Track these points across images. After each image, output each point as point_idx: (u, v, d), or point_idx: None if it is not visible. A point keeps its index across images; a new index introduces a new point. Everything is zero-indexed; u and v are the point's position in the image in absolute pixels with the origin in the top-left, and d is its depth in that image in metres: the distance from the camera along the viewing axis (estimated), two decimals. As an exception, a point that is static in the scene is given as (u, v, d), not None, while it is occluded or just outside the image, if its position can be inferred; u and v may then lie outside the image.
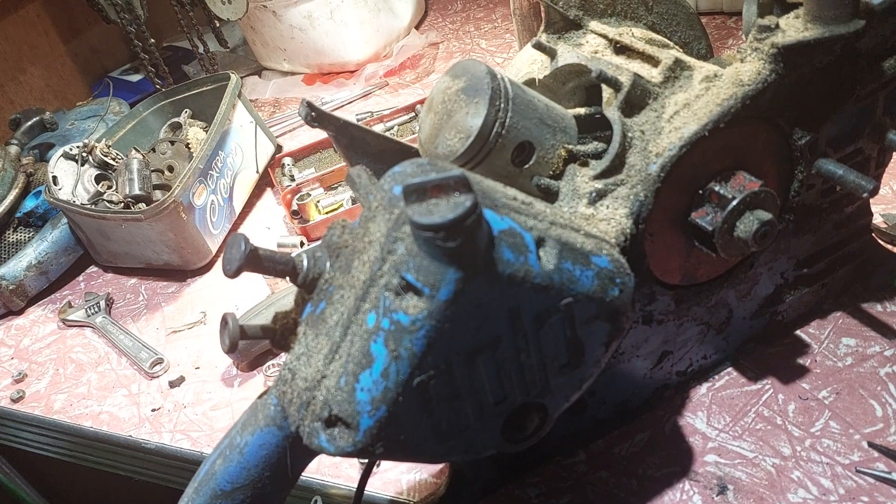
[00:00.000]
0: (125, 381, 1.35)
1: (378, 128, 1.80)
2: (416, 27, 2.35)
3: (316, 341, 0.70)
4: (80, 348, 1.47)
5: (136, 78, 2.37)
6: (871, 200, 0.99)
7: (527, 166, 0.83)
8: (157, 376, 1.33)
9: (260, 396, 0.77)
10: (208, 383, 1.28)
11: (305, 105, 0.88)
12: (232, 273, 0.67)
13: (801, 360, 1.00)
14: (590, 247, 0.71)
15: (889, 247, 1.10)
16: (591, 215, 0.80)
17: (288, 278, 0.72)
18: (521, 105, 0.80)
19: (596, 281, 0.70)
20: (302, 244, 1.50)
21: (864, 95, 0.86)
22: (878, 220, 1.15)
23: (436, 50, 2.20)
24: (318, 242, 0.72)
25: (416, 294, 0.62)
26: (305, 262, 0.71)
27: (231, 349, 0.72)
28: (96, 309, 1.51)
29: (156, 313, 1.49)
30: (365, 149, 0.94)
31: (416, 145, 0.90)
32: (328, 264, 0.72)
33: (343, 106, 2.04)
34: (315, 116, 0.88)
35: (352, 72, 2.18)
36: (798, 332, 1.04)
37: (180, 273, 1.57)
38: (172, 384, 1.30)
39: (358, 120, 1.90)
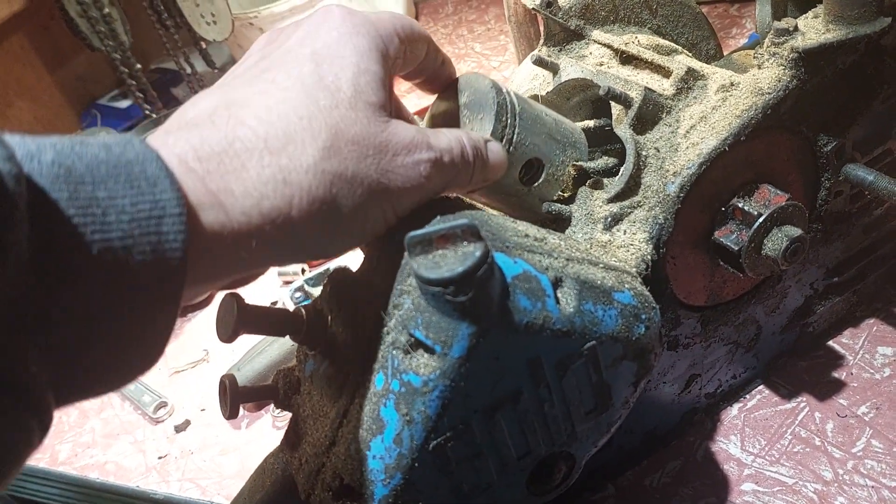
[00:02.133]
0: (130, 428, 1.30)
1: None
2: (408, 34, 2.29)
3: (322, 403, 0.65)
4: (82, 393, 1.42)
5: (125, 104, 2.32)
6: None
7: (536, 184, 0.78)
8: (162, 420, 1.29)
9: (266, 459, 0.72)
10: (214, 426, 1.23)
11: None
12: (227, 339, 0.62)
13: (836, 374, 0.95)
14: (611, 282, 0.65)
15: (920, 245, 1.04)
16: (609, 242, 0.75)
17: (289, 336, 0.67)
18: (528, 120, 0.75)
19: (620, 320, 0.64)
20: (303, 271, 1.44)
21: (891, 94, 0.80)
22: (905, 216, 1.10)
23: (429, 57, 2.15)
24: (320, 295, 0.67)
25: (427, 352, 0.57)
26: (305, 318, 0.66)
27: (232, 416, 0.67)
28: (96, 351, 1.46)
29: (157, 352, 1.44)
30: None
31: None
32: (330, 318, 0.66)
33: (338, 121, 1.99)
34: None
35: (344, 85, 2.12)
36: (831, 342, 0.99)
37: (181, 308, 1.51)
38: (178, 429, 1.25)
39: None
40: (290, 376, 0.70)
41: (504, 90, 0.75)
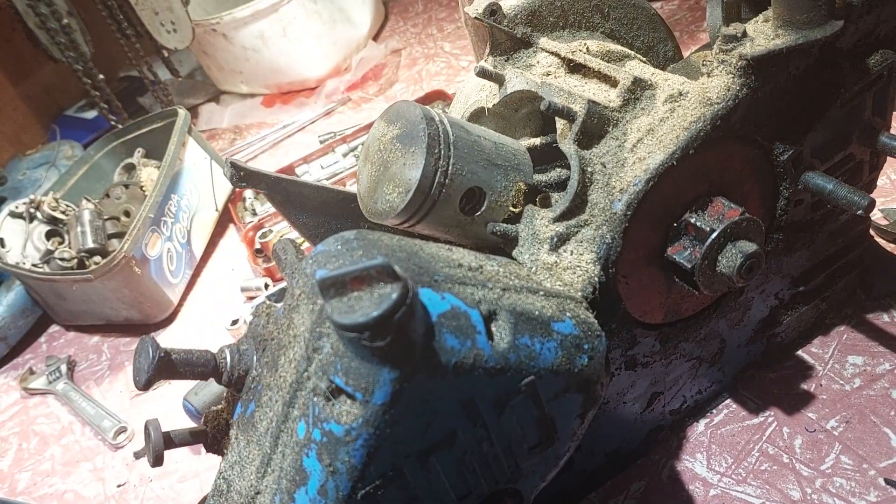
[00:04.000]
0: (89, 454, 1.27)
1: (341, 149, 1.71)
2: (377, 34, 2.25)
3: (248, 449, 0.61)
4: (44, 419, 1.38)
5: (91, 114, 2.27)
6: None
7: (479, 213, 0.74)
8: (122, 446, 1.25)
9: (200, 503, 0.68)
10: (174, 452, 1.18)
11: (230, 166, 0.79)
12: (142, 386, 0.59)
13: (805, 386, 0.92)
14: (550, 311, 0.62)
15: (892, 247, 1.01)
16: (555, 263, 0.71)
17: (212, 379, 0.63)
18: (464, 149, 0.71)
19: (560, 352, 0.61)
20: (266, 286, 1.41)
21: (850, 98, 0.77)
22: (877, 215, 1.06)
23: (398, 57, 2.11)
24: (244, 335, 0.63)
25: (349, 398, 0.53)
26: (228, 360, 0.63)
27: (156, 463, 0.63)
28: (58, 374, 1.42)
29: (119, 374, 1.41)
30: (303, 203, 0.85)
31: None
32: (255, 359, 0.63)
33: (305, 127, 1.95)
34: (242, 176, 0.79)
35: (312, 89, 2.08)
36: (800, 352, 0.96)
37: (143, 327, 1.48)
38: (137, 455, 1.21)
39: (321, 142, 1.81)
40: (219, 419, 0.66)
41: (437, 119, 0.71)
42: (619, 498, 0.89)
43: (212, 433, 0.66)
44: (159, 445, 0.63)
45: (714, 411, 0.93)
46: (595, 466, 0.88)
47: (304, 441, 0.55)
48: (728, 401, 0.93)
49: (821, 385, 0.91)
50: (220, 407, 0.66)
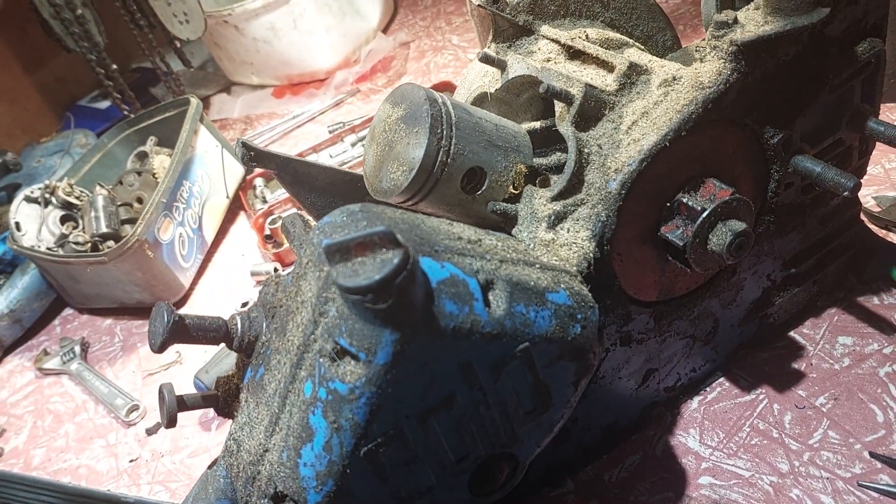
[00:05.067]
0: (102, 431, 1.31)
1: (350, 138, 1.75)
2: (386, 27, 2.28)
3: (257, 410, 0.65)
4: (58, 397, 1.42)
5: (104, 104, 2.31)
6: (863, 182, 0.92)
7: (480, 192, 0.77)
8: (134, 423, 1.29)
9: (210, 466, 0.72)
10: (185, 428, 1.23)
11: (241, 146, 0.82)
12: (157, 348, 0.62)
13: (796, 365, 0.94)
14: (545, 283, 0.65)
15: (883, 233, 1.03)
16: (552, 240, 0.74)
17: (223, 344, 0.66)
18: (466, 129, 0.74)
19: (554, 320, 0.64)
20: (276, 271, 1.44)
21: (839, 84, 0.79)
22: (870, 203, 1.09)
23: (407, 50, 2.14)
24: (253, 302, 0.66)
25: (353, 359, 0.57)
26: (239, 326, 0.66)
27: (170, 424, 0.67)
28: (71, 355, 1.46)
29: (132, 355, 1.45)
30: (311, 183, 0.88)
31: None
32: (264, 325, 0.66)
33: (315, 118, 1.98)
34: (253, 156, 0.83)
35: (322, 80, 2.12)
36: (792, 333, 0.98)
37: (155, 310, 1.51)
38: (149, 431, 1.25)
39: (331, 132, 1.84)
40: (230, 384, 0.69)
41: (440, 101, 0.74)
42: (615, 471, 0.92)
43: (223, 397, 0.69)
44: (173, 407, 0.66)
45: (707, 389, 0.96)
46: (592, 440, 0.92)
47: (310, 399, 0.58)
48: (721, 379, 0.96)
49: (811, 364, 0.94)
50: (230, 373, 0.70)
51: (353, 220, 0.61)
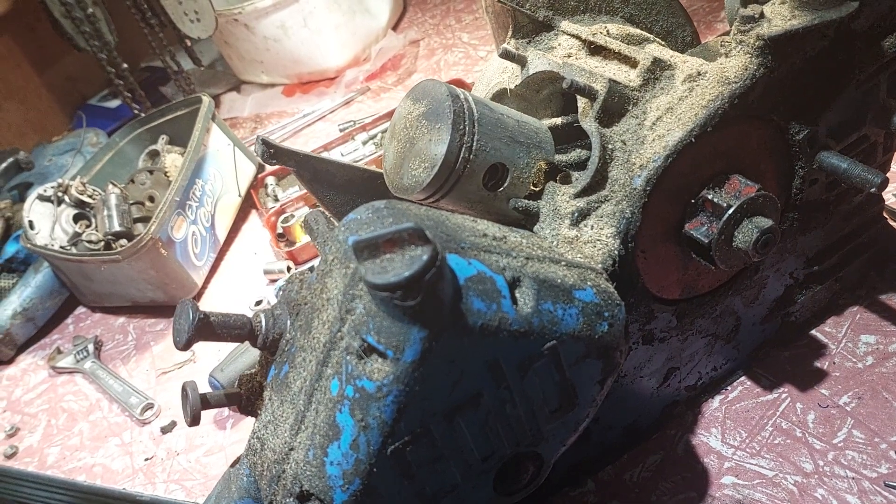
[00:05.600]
0: (117, 430, 1.30)
1: (361, 136, 1.74)
2: (395, 25, 2.27)
3: (282, 409, 0.64)
4: (72, 396, 1.42)
5: (115, 103, 2.31)
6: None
7: (501, 189, 0.77)
8: (149, 422, 1.28)
9: (232, 465, 0.71)
10: (200, 426, 1.22)
11: (261, 143, 0.82)
12: (182, 346, 0.62)
13: (818, 364, 0.94)
14: (572, 280, 0.64)
15: (904, 230, 1.02)
16: (575, 237, 0.74)
17: (237, 356, 0.66)
18: (488, 125, 0.73)
19: (581, 318, 0.63)
20: (289, 269, 1.44)
21: (865, 79, 0.78)
22: (892, 200, 1.08)
23: (416, 48, 2.13)
24: (277, 300, 0.66)
25: (380, 357, 0.56)
26: (264, 323, 0.65)
27: (193, 422, 0.66)
28: (85, 353, 1.46)
29: (145, 353, 1.44)
30: (330, 180, 0.87)
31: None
32: (289, 323, 0.66)
33: (325, 116, 1.98)
34: (273, 153, 0.82)
35: (332, 79, 2.11)
36: (814, 331, 0.97)
37: (168, 309, 1.51)
38: (164, 430, 1.25)
39: (341, 130, 1.84)
40: (253, 382, 0.69)
41: (462, 97, 0.73)
42: (636, 471, 0.91)
43: (246, 395, 0.69)
44: (196, 405, 0.66)
45: (729, 388, 0.95)
46: (613, 439, 0.91)
47: (337, 398, 0.58)
48: (743, 378, 0.95)
49: (834, 363, 0.93)
50: (254, 370, 0.69)
51: (378, 217, 0.60)
